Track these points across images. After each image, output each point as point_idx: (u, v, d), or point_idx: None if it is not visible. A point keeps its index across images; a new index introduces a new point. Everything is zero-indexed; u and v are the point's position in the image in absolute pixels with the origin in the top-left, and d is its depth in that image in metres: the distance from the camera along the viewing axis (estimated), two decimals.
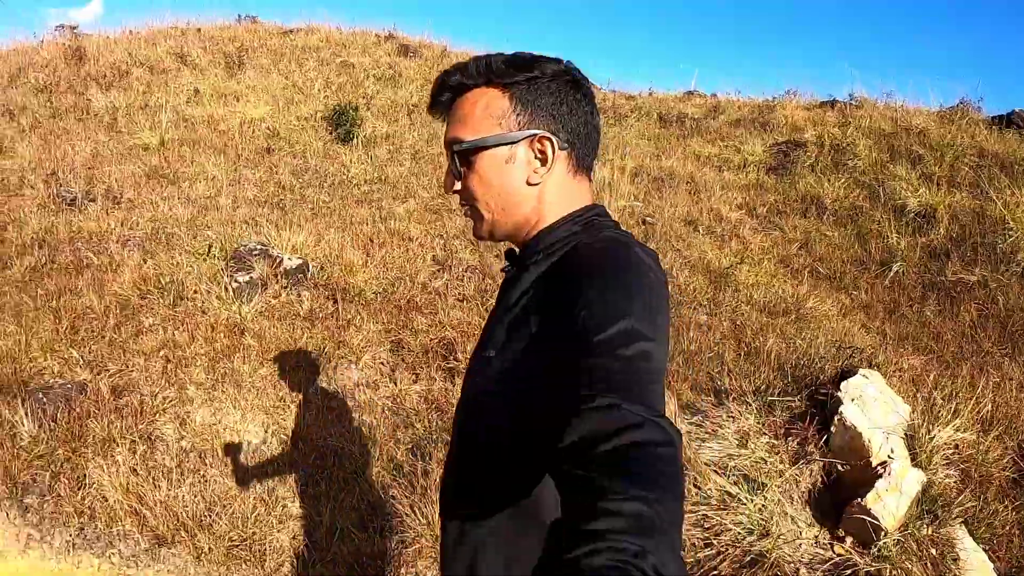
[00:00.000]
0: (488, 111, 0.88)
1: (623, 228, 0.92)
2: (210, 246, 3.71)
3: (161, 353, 3.11)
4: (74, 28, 10.69)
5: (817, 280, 5.00)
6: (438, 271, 4.00)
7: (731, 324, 4.09)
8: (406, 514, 2.39)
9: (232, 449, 2.74)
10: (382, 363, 3.28)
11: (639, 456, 0.54)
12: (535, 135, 0.88)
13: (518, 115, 0.88)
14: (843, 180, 6.00)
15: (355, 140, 5.55)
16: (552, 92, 0.89)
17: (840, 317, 4.42)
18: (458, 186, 0.93)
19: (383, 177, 5.21)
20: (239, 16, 9.94)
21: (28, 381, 2.95)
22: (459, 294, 3.80)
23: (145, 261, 3.78)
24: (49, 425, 2.74)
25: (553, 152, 0.88)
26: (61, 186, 4.79)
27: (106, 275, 3.67)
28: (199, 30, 8.21)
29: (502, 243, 0.97)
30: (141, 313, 3.38)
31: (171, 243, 4.01)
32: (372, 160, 5.45)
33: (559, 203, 0.91)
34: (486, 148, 0.88)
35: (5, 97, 6.31)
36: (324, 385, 3.14)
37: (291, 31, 7.87)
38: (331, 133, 5.66)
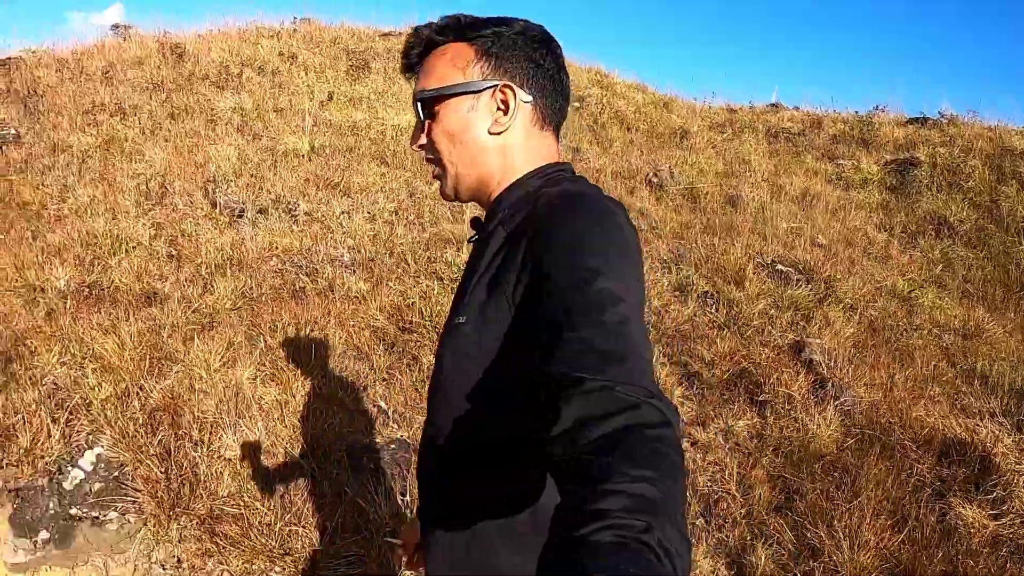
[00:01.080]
0: (453, 62, 0.89)
1: (586, 180, 0.91)
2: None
3: None
4: (129, 28, 10.21)
5: (971, 302, 5.12)
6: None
7: (939, 349, 4.15)
8: None
9: None
10: None
11: (638, 438, 0.53)
12: (497, 85, 0.88)
13: (482, 66, 0.88)
14: (959, 200, 6.17)
15: None
16: (518, 46, 0.90)
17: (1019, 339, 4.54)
18: (423, 139, 0.93)
19: None
20: (294, 18, 9.59)
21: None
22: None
23: (376, 286, 3.59)
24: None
25: (515, 102, 0.88)
26: (221, 195, 4.51)
27: (342, 304, 3.46)
28: (294, 30, 7.87)
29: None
30: (410, 349, 3.19)
31: (398, 264, 3.81)
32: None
33: (525, 158, 0.91)
34: (449, 96, 0.89)
35: (115, 96, 5.91)
36: None
37: (388, 34, 7.61)
38: None
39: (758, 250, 4.58)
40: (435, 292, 3.43)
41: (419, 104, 0.91)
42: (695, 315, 3.87)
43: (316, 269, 3.73)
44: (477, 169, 0.91)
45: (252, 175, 4.69)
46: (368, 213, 4.38)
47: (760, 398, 3.38)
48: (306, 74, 6.26)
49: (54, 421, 2.67)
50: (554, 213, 0.79)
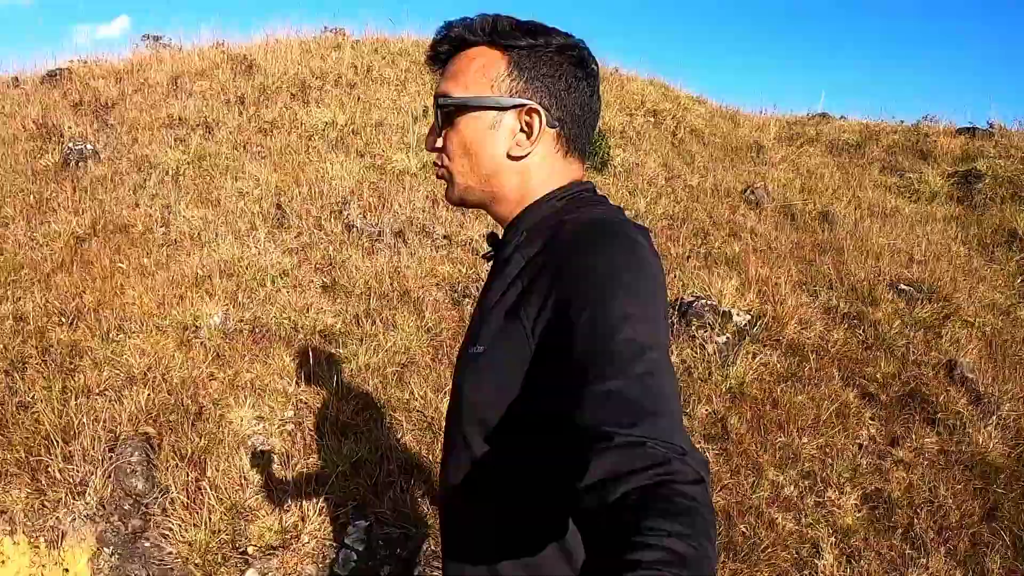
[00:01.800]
0: (483, 71, 0.85)
1: (608, 200, 0.89)
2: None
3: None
4: (159, 38, 9.89)
5: None
6: None
7: None
8: None
9: None
10: None
11: (671, 494, 0.53)
12: (525, 105, 0.84)
13: (512, 81, 0.84)
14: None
15: (610, 168, 5.37)
16: (553, 64, 0.85)
17: None
18: (439, 144, 0.90)
19: (671, 213, 5.06)
20: (325, 27, 9.38)
21: None
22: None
23: None
24: None
25: (540, 127, 0.84)
26: (356, 218, 4.35)
27: None
28: (356, 42, 7.67)
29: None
30: None
31: None
32: (646, 193, 5.28)
33: (545, 181, 0.88)
34: (472, 109, 0.85)
35: (190, 109, 5.67)
36: None
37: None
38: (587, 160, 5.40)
39: (877, 269, 4.68)
40: None
41: (439, 110, 0.87)
42: (847, 337, 3.93)
43: None
44: (490, 187, 0.88)
45: (374, 195, 4.56)
46: None
47: (932, 416, 3.48)
48: (387, 87, 6.12)
49: (287, 491, 2.51)
50: (580, 245, 0.76)
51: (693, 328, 3.22)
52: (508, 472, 0.81)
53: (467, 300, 3.64)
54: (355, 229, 4.21)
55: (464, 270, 3.88)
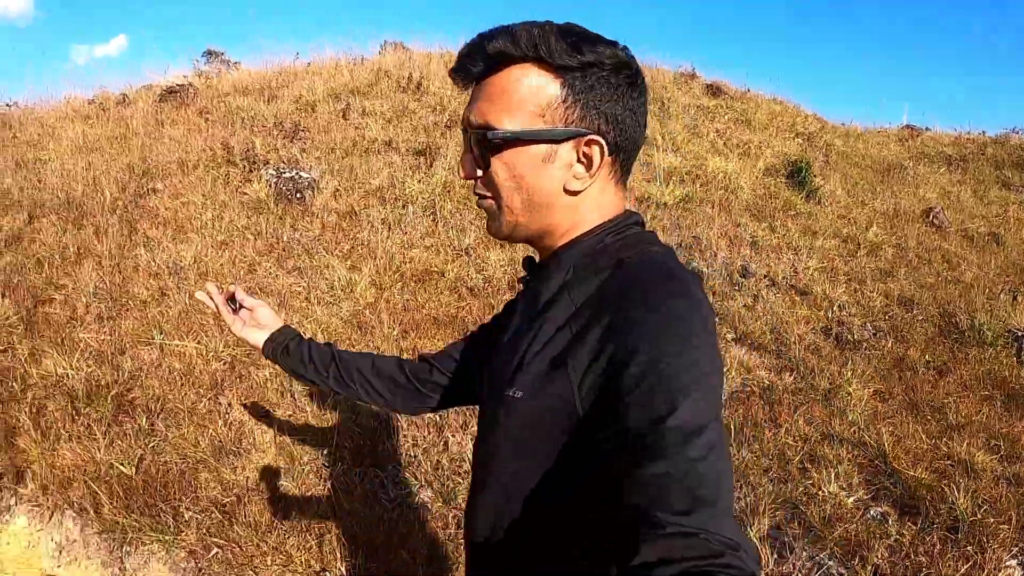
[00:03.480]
0: (531, 96, 0.76)
1: (656, 235, 0.84)
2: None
3: None
4: (222, 54, 9.38)
5: None
6: None
7: None
8: None
9: None
10: None
11: None
12: (584, 136, 0.76)
13: (568, 108, 0.76)
14: None
15: (814, 199, 5.53)
16: (611, 86, 0.77)
17: None
18: (480, 174, 0.82)
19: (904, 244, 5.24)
20: (384, 42, 9.13)
21: None
22: None
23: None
24: None
25: (601, 158, 0.77)
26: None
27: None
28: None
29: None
30: None
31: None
32: (857, 222, 5.42)
33: (595, 212, 0.82)
34: (524, 142, 0.77)
35: (396, 132, 5.39)
36: None
37: None
38: (796, 191, 5.56)
39: None
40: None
41: (485, 141, 0.78)
42: None
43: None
44: (541, 222, 0.82)
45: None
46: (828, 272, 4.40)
47: None
48: None
49: None
50: (638, 295, 0.71)
51: None
52: (542, 531, 0.76)
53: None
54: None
55: (815, 312, 3.94)
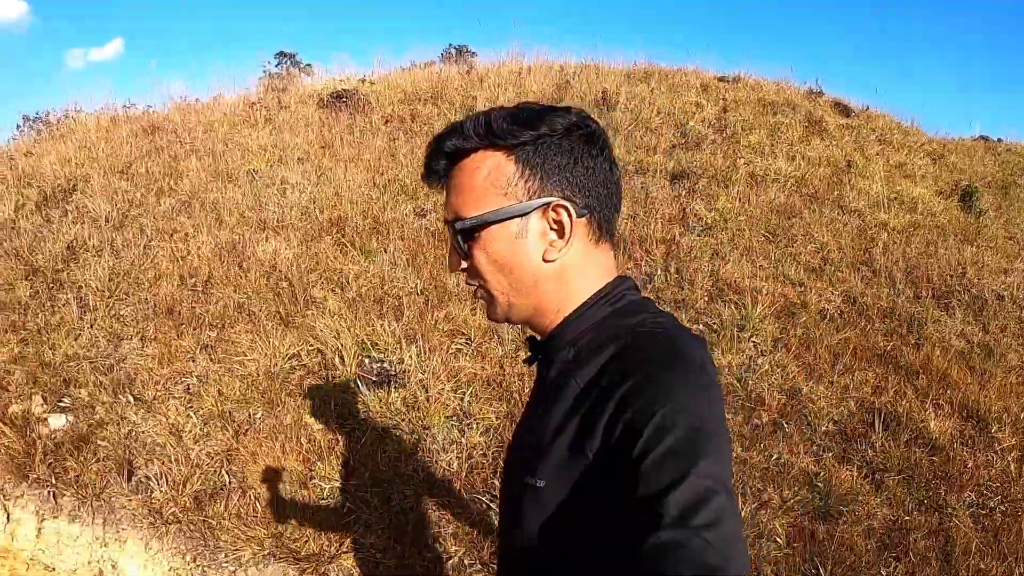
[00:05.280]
0: (491, 179, 0.79)
1: (653, 303, 0.85)
2: None
3: None
4: (294, 55, 9.25)
5: None
6: None
7: None
8: None
9: None
10: None
11: None
12: (548, 203, 0.78)
13: (527, 181, 0.78)
14: None
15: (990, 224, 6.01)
16: (564, 151, 0.79)
17: None
18: (464, 264, 0.85)
19: None
20: (449, 45, 9.23)
21: None
22: None
23: None
24: None
25: (571, 221, 0.78)
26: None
27: None
28: (597, 66, 7.62)
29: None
30: None
31: None
32: None
33: (584, 281, 0.82)
34: (493, 223, 0.79)
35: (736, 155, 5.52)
36: None
37: (726, 79, 7.70)
38: (974, 217, 5.97)
39: None
40: None
41: (457, 232, 0.82)
42: None
43: None
44: (532, 299, 0.83)
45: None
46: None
47: None
48: (754, 134, 6.34)
49: None
50: (644, 374, 0.71)
51: None
52: None
53: None
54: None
55: None
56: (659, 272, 4.20)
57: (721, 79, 7.70)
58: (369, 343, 3.11)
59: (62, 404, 3.28)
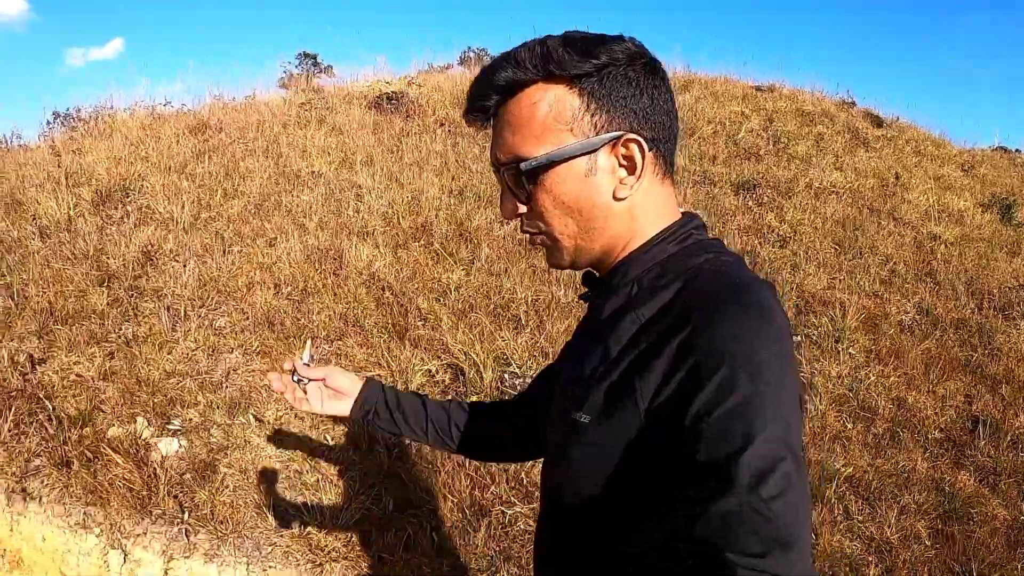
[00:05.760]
0: (553, 114, 0.73)
1: (722, 243, 0.80)
2: None
3: None
4: (315, 57, 9.20)
5: None
6: None
7: None
8: None
9: None
10: None
11: None
12: (618, 138, 0.74)
13: (593, 115, 0.73)
14: None
15: None
16: (629, 81, 0.74)
17: None
18: (523, 209, 0.79)
19: None
20: (468, 48, 9.29)
21: None
22: None
23: None
24: None
25: (643, 156, 0.74)
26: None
27: None
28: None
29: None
30: None
31: None
32: None
33: (652, 218, 0.78)
34: (559, 162, 0.74)
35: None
36: None
37: (761, 88, 7.82)
38: (1013, 229, 6.10)
39: None
40: None
41: (520, 174, 0.76)
42: None
43: None
44: (602, 239, 0.79)
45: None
46: None
47: None
48: (801, 145, 6.47)
49: None
50: (709, 315, 0.67)
51: None
52: (612, 555, 0.74)
53: None
54: None
55: None
56: None
57: (758, 88, 7.82)
58: (503, 357, 3.12)
59: (171, 427, 3.09)
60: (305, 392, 1.13)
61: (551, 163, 0.74)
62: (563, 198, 0.75)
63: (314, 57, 10.09)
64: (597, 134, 0.73)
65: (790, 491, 0.58)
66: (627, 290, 0.77)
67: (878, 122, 7.95)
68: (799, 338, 3.84)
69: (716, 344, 0.64)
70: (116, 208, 4.99)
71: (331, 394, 1.13)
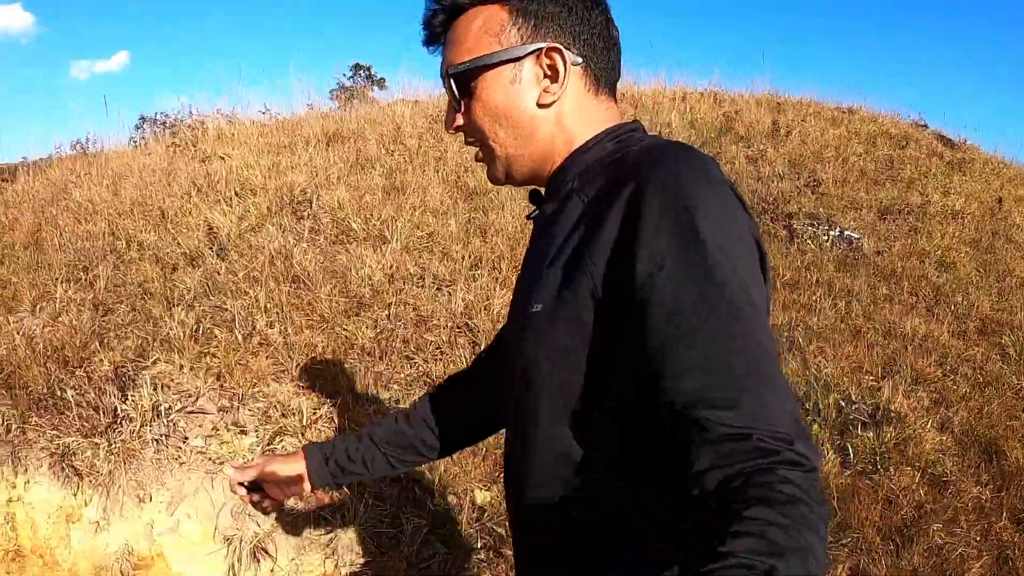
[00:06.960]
0: (485, 29, 0.81)
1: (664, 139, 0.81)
2: None
3: None
4: (368, 68, 9.24)
5: None
6: None
7: None
8: None
9: None
10: None
11: (773, 486, 0.52)
12: (541, 48, 0.80)
13: (519, 28, 0.80)
14: None
15: None
16: (559, 1, 0.81)
17: None
18: (460, 120, 0.86)
19: None
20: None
21: None
22: None
23: None
24: None
25: (564, 66, 0.80)
26: None
27: None
28: (716, 93, 8.02)
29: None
30: None
31: None
32: None
33: (584, 126, 0.83)
34: (486, 69, 0.81)
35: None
36: None
37: (845, 110, 8.22)
38: None
39: None
40: None
41: (451, 81, 0.83)
42: None
43: None
44: (531, 147, 0.84)
45: None
46: None
47: None
48: (905, 169, 6.91)
49: None
50: (651, 171, 0.69)
51: None
52: (593, 451, 0.75)
53: None
54: None
55: None
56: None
57: (840, 110, 8.25)
58: None
59: None
60: (264, 494, 1.13)
61: (476, 68, 0.81)
62: (491, 105, 0.82)
63: (368, 69, 10.07)
64: (523, 44, 0.80)
65: (754, 334, 0.60)
66: (568, 185, 0.81)
67: (950, 144, 8.46)
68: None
69: (662, 198, 0.66)
70: (300, 220, 4.93)
71: (286, 482, 1.12)
